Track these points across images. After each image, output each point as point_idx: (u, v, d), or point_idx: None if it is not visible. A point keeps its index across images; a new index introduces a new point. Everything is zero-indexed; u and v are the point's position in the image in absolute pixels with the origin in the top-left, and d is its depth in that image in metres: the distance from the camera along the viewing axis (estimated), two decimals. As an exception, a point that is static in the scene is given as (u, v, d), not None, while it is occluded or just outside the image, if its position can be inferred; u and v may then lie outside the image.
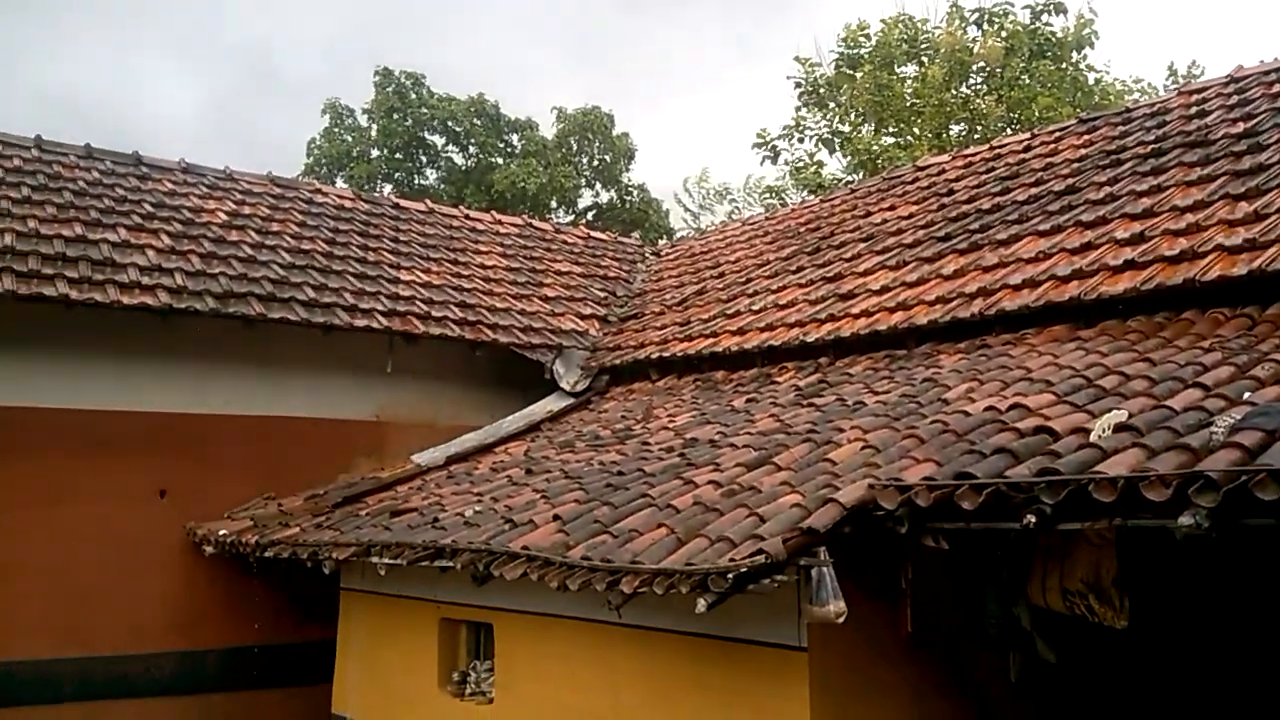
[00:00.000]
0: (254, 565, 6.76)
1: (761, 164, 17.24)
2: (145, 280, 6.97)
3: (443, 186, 24.17)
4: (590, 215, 25.71)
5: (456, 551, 4.67)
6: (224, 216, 8.67)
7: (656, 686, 4.51)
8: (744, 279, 8.71)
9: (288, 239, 8.65)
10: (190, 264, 7.47)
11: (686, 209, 20.95)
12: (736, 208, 19.78)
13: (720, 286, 8.85)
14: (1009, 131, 14.17)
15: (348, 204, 10.23)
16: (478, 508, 5.35)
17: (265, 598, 7.34)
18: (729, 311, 7.94)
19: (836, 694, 3.96)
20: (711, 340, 7.53)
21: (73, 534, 6.84)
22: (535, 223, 11.98)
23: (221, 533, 6.75)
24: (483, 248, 10.21)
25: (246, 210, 8.98)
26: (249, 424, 7.54)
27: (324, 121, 24.22)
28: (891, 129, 16.84)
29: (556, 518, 4.60)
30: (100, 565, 6.90)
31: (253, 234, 8.50)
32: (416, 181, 24.72)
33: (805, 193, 16.86)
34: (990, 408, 4.20)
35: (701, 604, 3.41)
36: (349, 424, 7.95)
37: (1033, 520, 3.07)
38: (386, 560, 5.17)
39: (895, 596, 4.13)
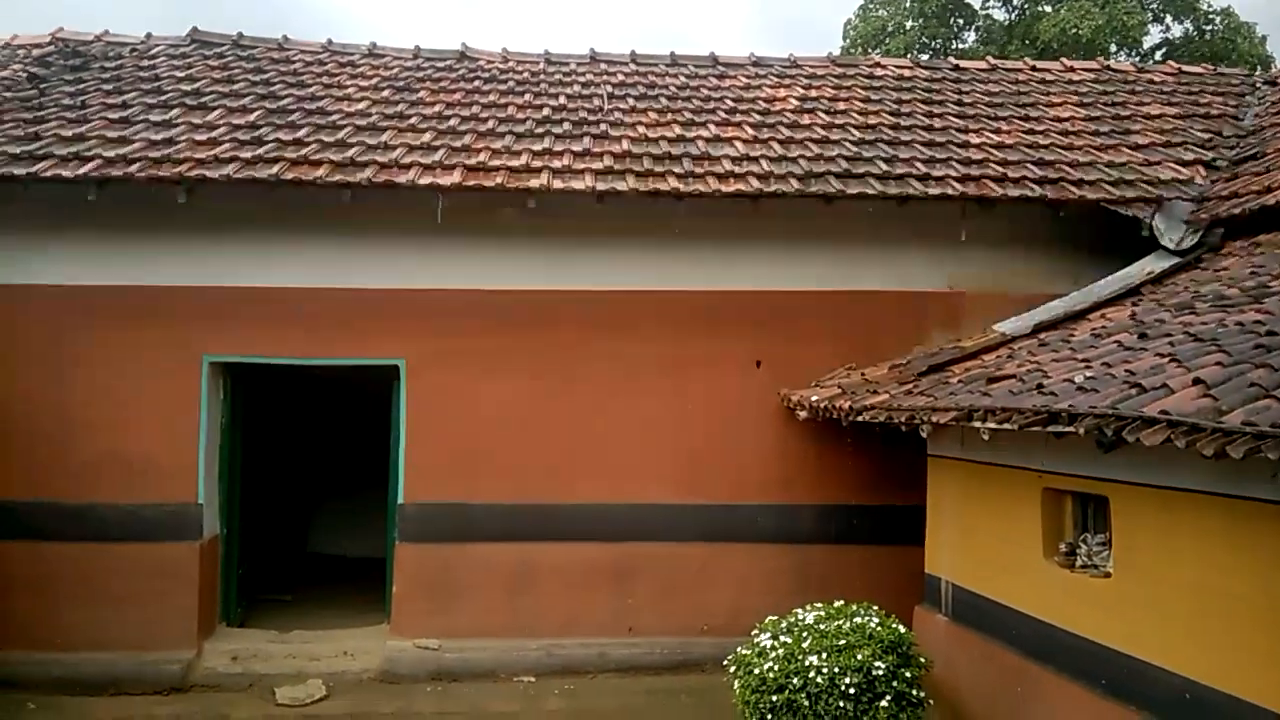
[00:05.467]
0: (846, 428, 7.15)
1: None
2: (736, 170, 7.56)
3: (982, 48, 22.63)
4: (1159, 55, 22.21)
5: (1076, 416, 4.38)
6: (794, 103, 9.08)
7: (1327, 575, 3.87)
8: None
9: (854, 116, 8.78)
10: (772, 150, 7.94)
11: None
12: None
13: (1384, 107, 7.03)
14: None
15: (907, 73, 10.06)
16: (1089, 373, 4.98)
17: (852, 460, 7.78)
18: (1404, 135, 6.28)
19: None
20: (1380, 173, 6.04)
21: (690, 398, 7.80)
22: (1113, 65, 10.64)
23: (814, 399, 7.23)
24: (1055, 99, 9.36)
25: (814, 94, 9.31)
26: (829, 299, 7.91)
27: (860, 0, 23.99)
28: None
29: (1198, 381, 4.08)
30: (711, 426, 7.81)
31: (822, 115, 8.77)
32: (954, 47, 23.51)
33: None
34: None
35: None
36: (922, 295, 7.97)
37: None
38: (991, 425, 5.07)
39: None
